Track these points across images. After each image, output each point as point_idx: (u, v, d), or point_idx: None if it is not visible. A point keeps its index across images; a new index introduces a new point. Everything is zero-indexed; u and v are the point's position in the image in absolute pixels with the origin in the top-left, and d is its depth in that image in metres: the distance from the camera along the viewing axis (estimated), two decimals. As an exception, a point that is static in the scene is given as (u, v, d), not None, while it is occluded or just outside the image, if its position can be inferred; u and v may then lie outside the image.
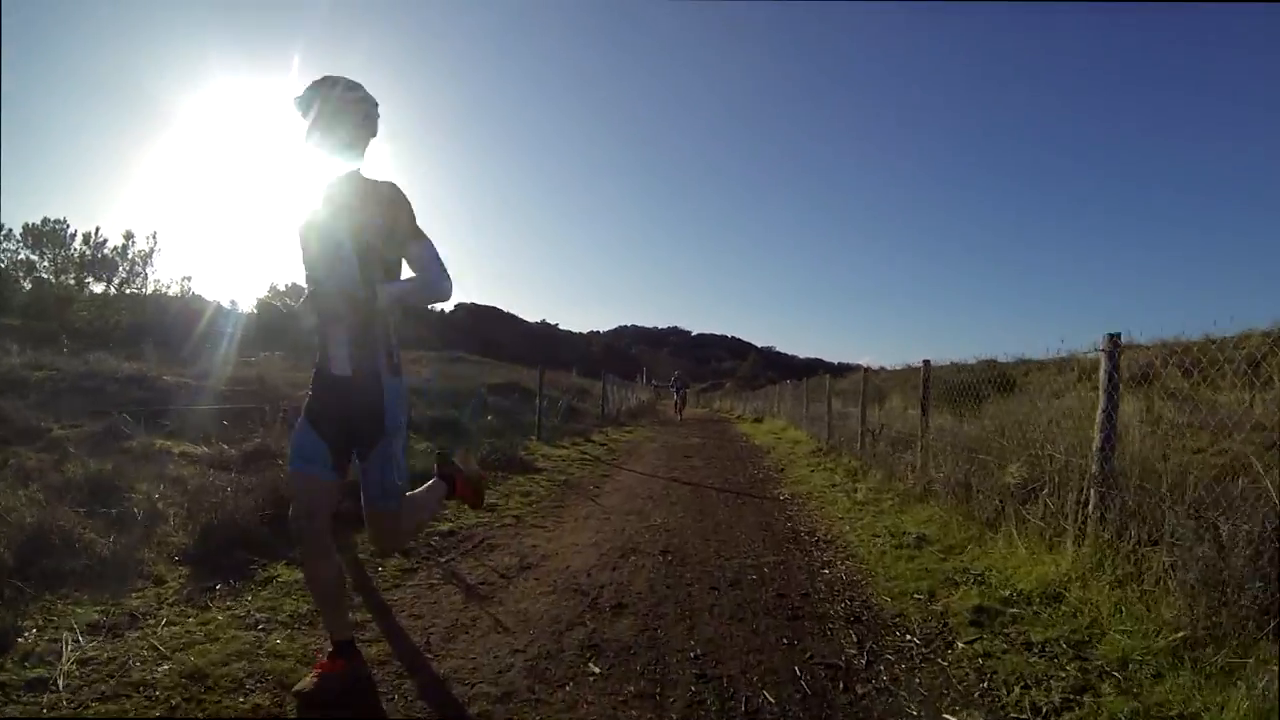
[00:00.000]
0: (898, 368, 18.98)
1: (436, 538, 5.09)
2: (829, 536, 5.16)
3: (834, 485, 7.19)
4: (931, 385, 10.25)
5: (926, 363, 6.20)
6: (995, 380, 6.50)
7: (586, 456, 9.81)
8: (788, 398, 17.46)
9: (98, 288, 25.10)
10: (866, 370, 8.45)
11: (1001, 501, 4.60)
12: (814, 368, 31.04)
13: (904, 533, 4.95)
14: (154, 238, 26.35)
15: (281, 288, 55.20)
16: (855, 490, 6.68)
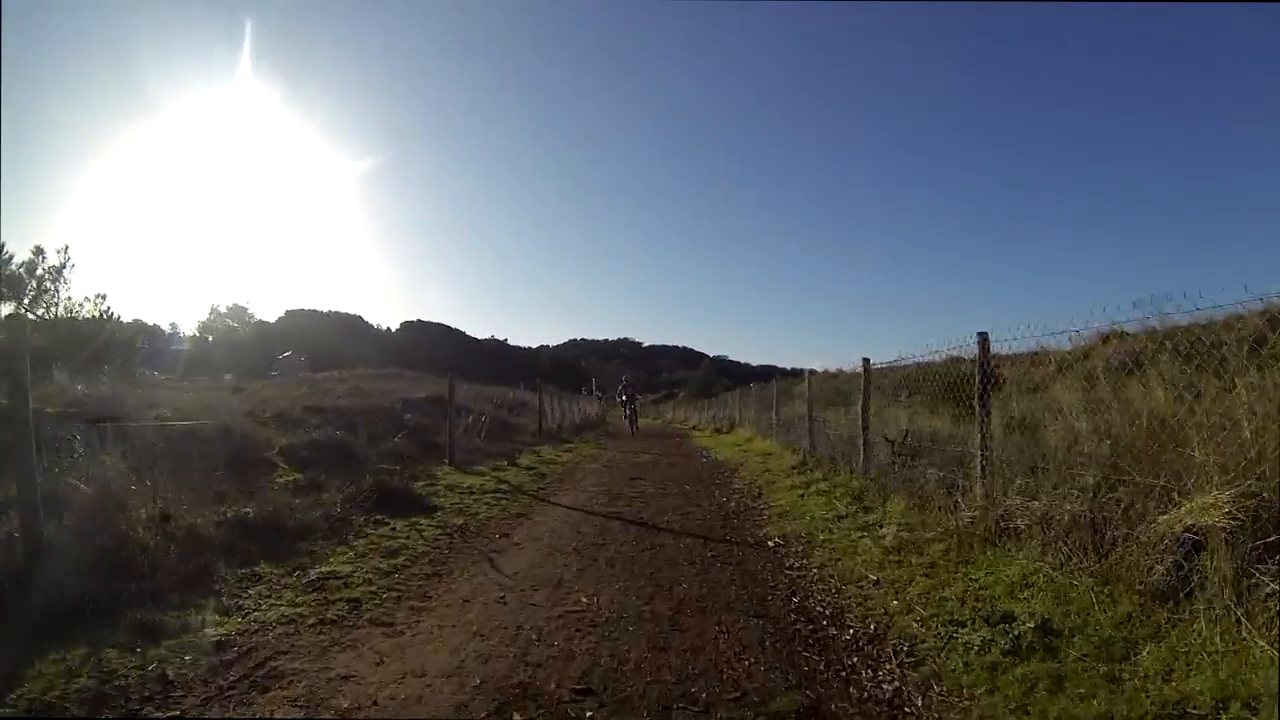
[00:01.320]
0: (856, 369, 17.06)
1: (191, 655, 2.84)
2: (874, 627, 3.01)
3: (839, 518, 5.10)
4: (915, 382, 8.38)
5: (984, 338, 4.13)
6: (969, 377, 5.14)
7: (504, 486, 7.50)
8: (751, 404, 15.43)
9: (6, 309, 21.70)
10: (867, 364, 6.41)
11: (1185, 561, 2.58)
12: (768, 374, 29.43)
13: (1003, 614, 2.86)
14: (65, 252, 23.04)
15: (224, 309, 50.87)
16: (876, 527, 4.60)
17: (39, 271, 23.07)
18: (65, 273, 23.11)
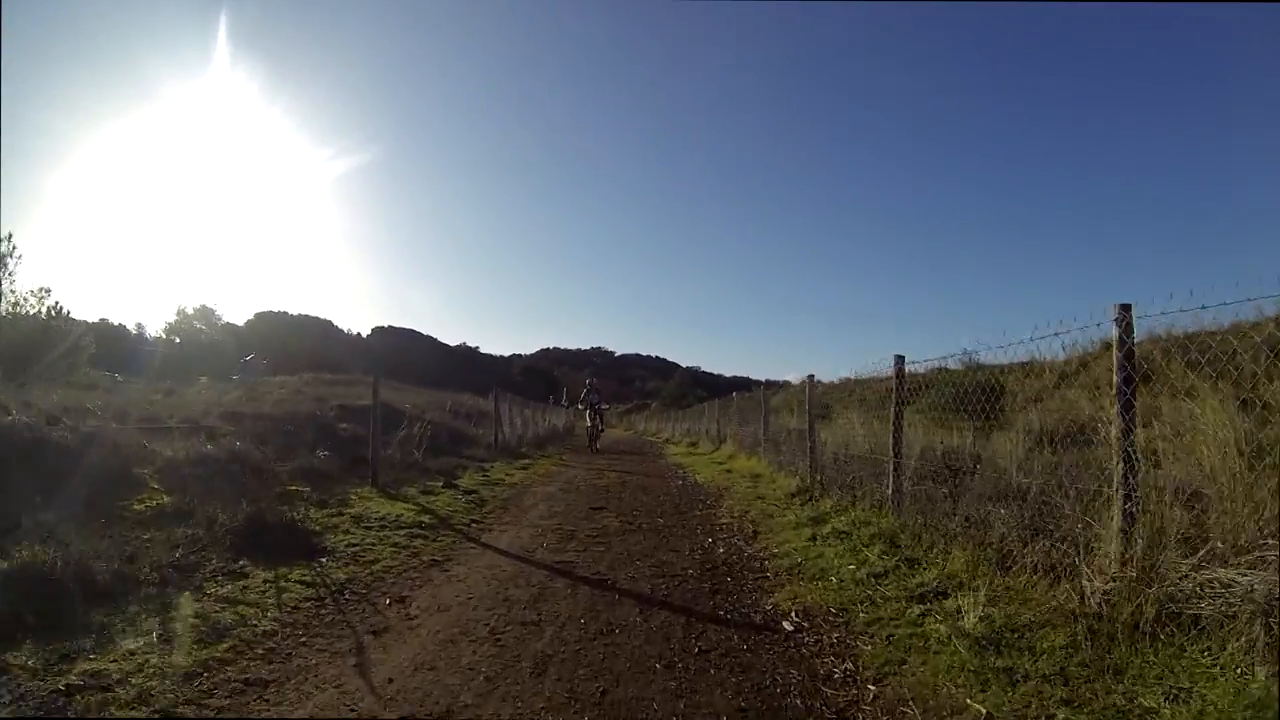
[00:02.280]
0: (836, 380, 15.26)
1: None
2: None
3: (876, 577, 3.63)
4: (930, 391, 6.99)
5: (1125, 312, 2.68)
6: (987, 386, 4.96)
7: (428, 518, 5.89)
8: (733, 416, 13.90)
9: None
10: (900, 364, 4.91)
11: None
12: (741, 385, 28.05)
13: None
14: (10, 240, 20.62)
15: (191, 310, 47.82)
16: (939, 597, 3.14)
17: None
18: (10, 264, 20.74)
